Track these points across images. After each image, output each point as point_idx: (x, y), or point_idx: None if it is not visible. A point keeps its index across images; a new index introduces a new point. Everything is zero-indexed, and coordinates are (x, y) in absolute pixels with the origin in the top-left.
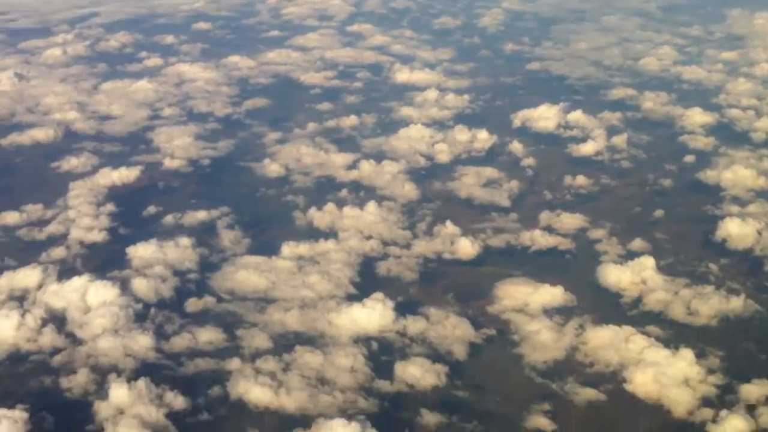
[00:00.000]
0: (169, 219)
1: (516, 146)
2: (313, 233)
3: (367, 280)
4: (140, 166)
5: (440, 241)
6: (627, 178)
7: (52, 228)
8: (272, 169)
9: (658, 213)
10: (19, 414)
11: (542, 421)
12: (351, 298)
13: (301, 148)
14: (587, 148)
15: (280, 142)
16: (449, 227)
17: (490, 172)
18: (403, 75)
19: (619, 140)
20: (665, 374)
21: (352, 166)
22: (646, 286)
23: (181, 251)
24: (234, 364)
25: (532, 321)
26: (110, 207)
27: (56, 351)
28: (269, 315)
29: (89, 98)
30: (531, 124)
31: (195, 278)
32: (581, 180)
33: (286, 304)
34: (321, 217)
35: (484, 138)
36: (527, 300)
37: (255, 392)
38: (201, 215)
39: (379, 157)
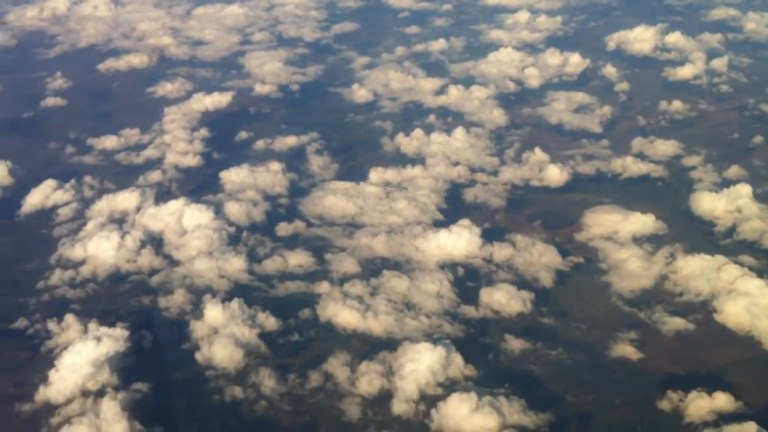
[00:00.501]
0: (259, 144)
1: (610, 70)
2: (400, 159)
3: (453, 207)
4: (232, 91)
5: (528, 168)
6: (725, 103)
7: (149, 152)
8: (360, 94)
9: (757, 139)
10: (120, 332)
11: (628, 350)
12: (438, 224)
13: (389, 73)
14: (685, 72)
15: (368, 67)
16: (538, 154)
17: (581, 97)
18: None
19: (719, 63)
20: (758, 305)
21: (440, 91)
22: (741, 215)
23: (272, 176)
24: (323, 287)
25: (621, 249)
26: (203, 132)
27: (154, 272)
28: (357, 240)
29: (182, 23)
30: (626, 46)
31: (285, 203)
32: (677, 105)
33: (374, 230)
34: (408, 143)
35: (576, 62)
36: (616, 228)
37: (343, 315)
38: (291, 140)
39: (467, 82)
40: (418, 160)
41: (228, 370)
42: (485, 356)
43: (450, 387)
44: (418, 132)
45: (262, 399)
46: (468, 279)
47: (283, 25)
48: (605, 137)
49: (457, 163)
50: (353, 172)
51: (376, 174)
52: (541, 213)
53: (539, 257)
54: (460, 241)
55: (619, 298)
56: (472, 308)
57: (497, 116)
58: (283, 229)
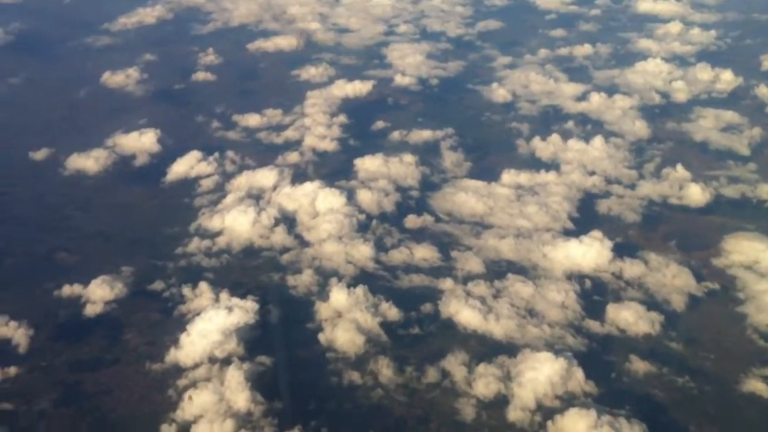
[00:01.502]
0: (395, 135)
1: (763, 90)
2: (534, 163)
3: (585, 217)
4: (372, 80)
5: (668, 185)
6: None
7: (289, 133)
8: (499, 93)
9: None
10: (250, 304)
11: (760, 386)
12: (567, 233)
13: (530, 75)
14: None
15: (509, 66)
16: (679, 171)
17: (730, 116)
18: (645, 4)
19: None
20: None
21: (582, 97)
22: None
23: (405, 168)
24: (447, 284)
25: (761, 280)
26: (342, 118)
27: (285, 250)
28: (484, 240)
29: (331, 10)
30: None
31: (416, 195)
32: None
33: (502, 232)
34: (544, 147)
35: (728, 79)
36: (758, 257)
37: (465, 314)
38: (426, 134)
39: (611, 90)
40: (552, 165)
41: (348, 355)
42: (607, 374)
43: (568, 401)
44: (555, 137)
45: (379, 387)
46: (595, 293)
47: (428, 18)
48: (753, 160)
49: (593, 173)
50: (485, 171)
51: (508, 176)
52: (677, 233)
53: (672, 279)
54: (590, 252)
55: (755, 331)
56: (597, 323)
57: (639, 128)
58: (412, 221)
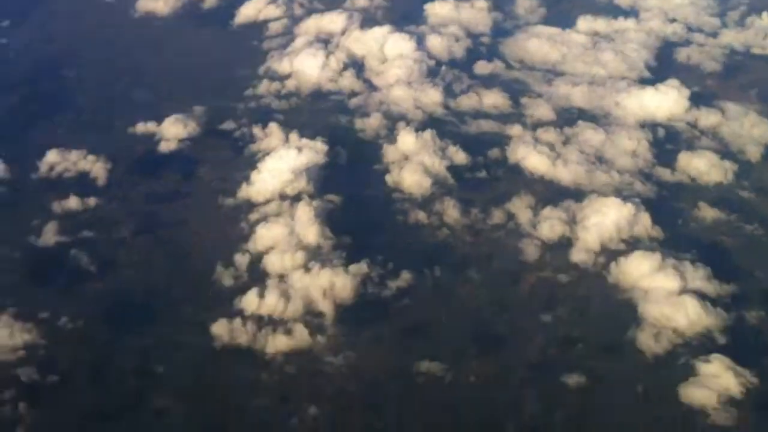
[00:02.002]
0: None
1: None
2: (612, 9)
3: (663, 65)
4: None
5: (752, 33)
6: None
7: None
8: None
9: None
10: (320, 145)
11: None
12: (643, 81)
13: None
14: None
15: None
16: (765, 19)
17: None
18: None
19: None
20: None
21: None
22: None
23: (476, 13)
24: (515, 130)
25: None
26: None
27: (353, 94)
28: (556, 87)
29: None
30: None
31: (487, 42)
32: None
33: (575, 79)
34: None
35: None
36: None
37: (532, 159)
38: None
39: None
40: (631, 12)
41: (415, 196)
42: (675, 220)
43: (633, 245)
44: None
45: (445, 227)
46: (668, 141)
47: None
48: None
49: (673, 20)
50: (561, 17)
51: (584, 22)
52: (759, 83)
53: (750, 128)
54: (665, 100)
55: None
56: (667, 171)
57: None
58: (482, 67)
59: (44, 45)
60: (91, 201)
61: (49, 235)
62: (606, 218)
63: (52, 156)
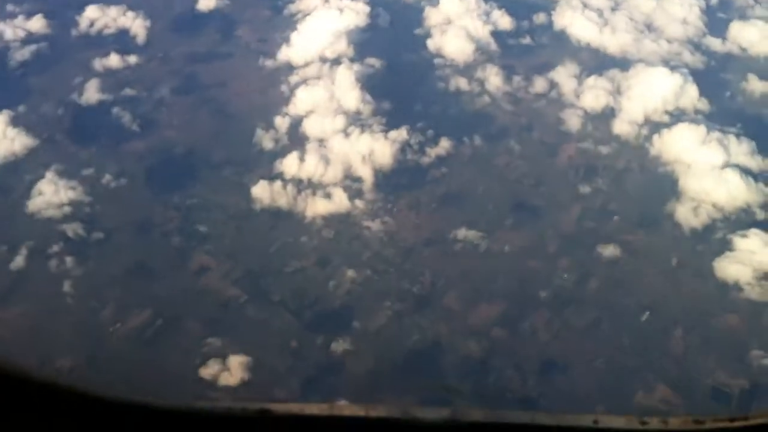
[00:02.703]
0: None
1: None
2: None
3: None
4: None
5: None
6: None
7: None
8: None
9: None
10: (362, 6)
11: None
12: None
13: None
14: None
15: None
16: None
17: None
18: None
19: None
20: None
21: None
22: None
23: None
24: None
25: None
26: None
27: None
28: None
29: None
30: None
31: None
32: None
33: None
34: None
35: None
36: None
37: (579, 25)
38: None
39: None
40: None
41: (456, 62)
42: (722, 92)
43: (678, 117)
44: None
45: (485, 94)
46: (720, 9)
47: None
48: None
49: None
50: None
51: None
52: None
53: None
54: None
55: None
56: (718, 41)
57: None
58: None
59: None
60: (132, 59)
61: (92, 93)
62: (651, 89)
63: (91, 11)
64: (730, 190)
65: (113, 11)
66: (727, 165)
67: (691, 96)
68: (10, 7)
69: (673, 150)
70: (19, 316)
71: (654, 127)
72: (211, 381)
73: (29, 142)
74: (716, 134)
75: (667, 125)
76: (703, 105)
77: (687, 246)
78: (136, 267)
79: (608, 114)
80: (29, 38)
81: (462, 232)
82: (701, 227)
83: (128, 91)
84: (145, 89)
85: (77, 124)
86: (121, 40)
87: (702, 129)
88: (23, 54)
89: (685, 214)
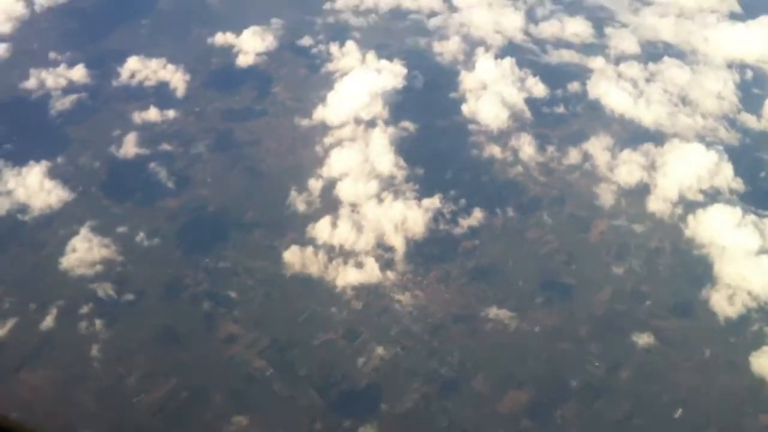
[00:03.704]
0: None
1: None
2: None
3: (757, 1)
4: None
5: None
6: None
7: None
8: None
9: None
10: (399, 68)
11: None
12: (734, 17)
13: None
14: None
15: None
16: None
17: None
18: None
19: None
20: None
21: None
22: None
23: None
24: (597, 62)
25: None
26: None
27: (433, 14)
28: (642, 18)
29: None
30: None
31: None
32: None
33: (662, 10)
34: None
35: None
36: None
37: (614, 96)
38: None
39: None
40: None
41: (490, 129)
42: (757, 172)
43: (713, 196)
44: None
45: (519, 164)
46: (755, 85)
47: None
48: None
49: None
50: None
51: None
52: None
53: None
54: (756, 39)
55: None
56: (753, 117)
57: None
58: None
59: None
60: (170, 113)
61: (129, 146)
62: (686, 166)
63: (132, 63)
64: (766, 279)
65: (154, 64)
66: (763, 251)
67: (726, 175)
68: (52, 55)
69: (707, 232)
70: (45, 380)
71: (688, 205)
72: None
73: (65, 196)
74: (752, 217)
75: (702, 204)
76: (738, 185)
77: (721, 337)
78: (164, 332)
79: (642, 190)
80: (70, 87)
81: (492, 311)
82: (736, 316)
83: (165, 146)
84: (182, 145)
85: (114, 178)
86: (161, 93)
87: (737, 211)
88: (63, 103)
89: (720, 302)
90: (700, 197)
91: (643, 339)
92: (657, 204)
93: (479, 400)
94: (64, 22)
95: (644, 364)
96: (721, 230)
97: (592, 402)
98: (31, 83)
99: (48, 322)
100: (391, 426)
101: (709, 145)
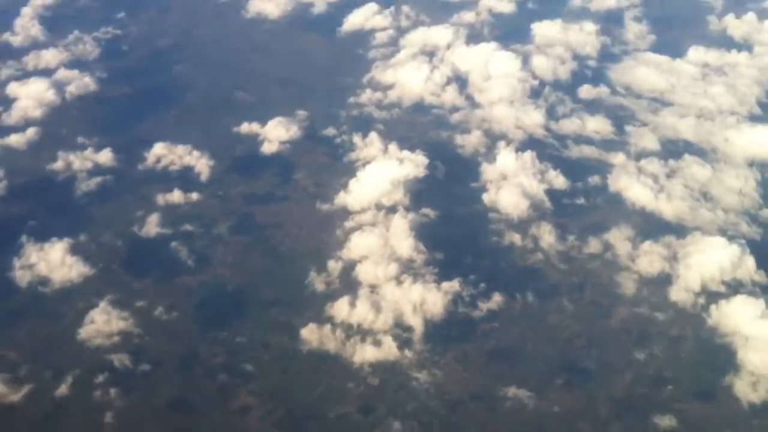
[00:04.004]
0: (576, 1)
1: None
2: (725, 41)
3: None
4: None
5: None
6: None
7: None
8: None
9: None
10: (420, 158)
11: None
12: (753, 119)
13: None
14: None
15: None
16: None
17: None
18: None
19: None
20: None
21: None
22: None
23: (584, 36)
24: (618, 158)
25: None
26: None
27: (455, 109)
28: (662, 118)
29: None
30: None
31: (593, 66)
32: None
33: (682, 110)
34: (738, 25)
35: None
36: None
37: (635, 190)
38: (609, 2)
39: None
40: (744, 45)
41: (511, 217)
42: None
43: (735, 288)
44: (751, 16)
45: (539, 251)
46: None
47: None
48: None
49: None
50: (671, 46)
51: (695, 53)
52: None
53: None
54: None
55: None
56: None
57: None
58: (587, 91)
59: (157, 39)
60: (193, 196)
61: (152, 226)
62: (709, 258)
63: (159, 149)
64: None
65: (180, 150)
66: None
67: (748, 268)
68: (80, 140)
69: (730, 321)
70: None
71: (711, 296)
72: None
73: (86, 271)
74: None
75: (725, 296)
76: (761, 277)
77: (745, 420)
78: (178, 402)
79: (664, 280)
80: (96, 170)
81: (510, 390)
82: (760, 403)
83: (187, 227)
84: (204, 226)
85: (134, 255)
86: (185, 177)
87: (761, 303)
88: (89, 185)
89: (743, 389)
90: (723, 288)
91: (665, 421)
92: (679, 294)
93: None
94: (94, 109)
95: None
96: (744, 320)
97: None
98: (58, 165)
99: (63, 389)
100: None
101: (730, 238)
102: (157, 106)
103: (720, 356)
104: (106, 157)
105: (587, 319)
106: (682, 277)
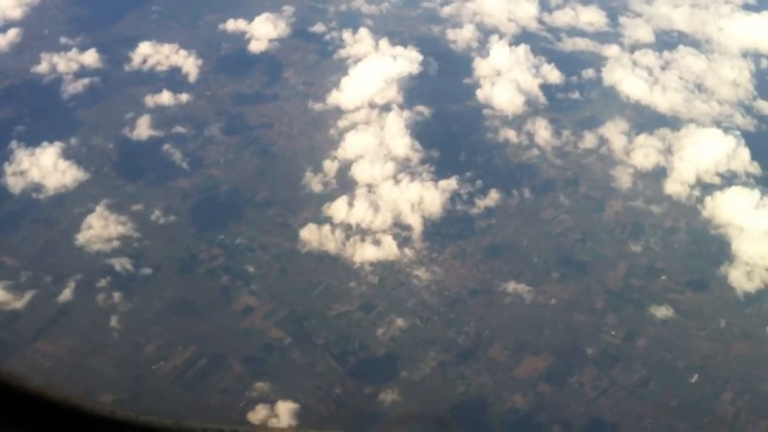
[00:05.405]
0: None
1: None
2: None
3: None
4: None
5: None
6: None
7: None
8: None
9: None
10: (414, 54)
11: None
12: (748, 8)
13: None
14: None
15: None
16: None
17: None
18: None
19: None
20: None
21: None
22: None
23: None
24: (612, 50)
25: None
26: None
27: (446, 2)
28: (656, 8)
29: None
30: None
31: None
32: None
33: (676, 0)
34: None
35: None
36: None
37: (629, 82)
38: None
39: None
40: None
41: (505, 113)
42: None
43: (729, 179)
44: None
45: (534, 147)
46: None
47: None
48: None
49: None
50: None
51: None
52: None
53: None
54: None
55: None
56: None
57: None
58: None
59: None
60: (183, 97)
61: (143, 129)
62: (704, 150)
63: (144, 48)
64: None
65: (166, 49)
66: None
67: (742, 159)
68: (63, 40)
69: (725, 213)
70: (64, 349)
71: (705, 188)
72: None
73: (79, 176)
74: None
75: (719, 187)
76: (755, 169)
77: (738, 309)
78: (181, 304)
79: (659, 173)
80: (82, 72)
81: (509, 285)
82: (755, 291)
83: (178, 129)
84: (195, 127)
85: (127, 159)
86: (173, 78)
87: (756, 193)
88: (75, 87)
89: (738, 278)
90: (717, 180)
91: (661, 311)
92: (674, 186)
93: (496, 367)
94: (74, 7)
95: (660, 333)
96: (739, 211)
97: (609, 368)
98: (42, 67)
99: (66, 294)
100: (411, 391)
101: (725, 130)
102: (138, 2)
103: (714, 247)
104: (91, 57)
105: (582, 213)
106: (676, 169)
